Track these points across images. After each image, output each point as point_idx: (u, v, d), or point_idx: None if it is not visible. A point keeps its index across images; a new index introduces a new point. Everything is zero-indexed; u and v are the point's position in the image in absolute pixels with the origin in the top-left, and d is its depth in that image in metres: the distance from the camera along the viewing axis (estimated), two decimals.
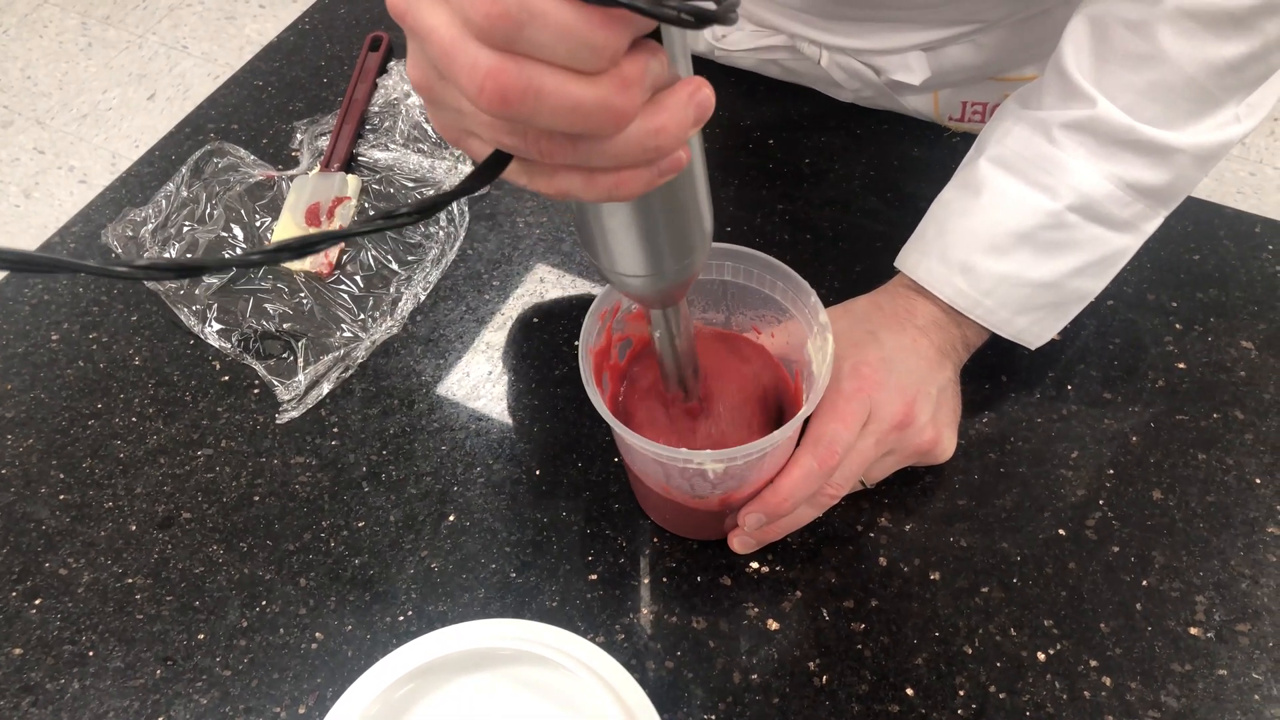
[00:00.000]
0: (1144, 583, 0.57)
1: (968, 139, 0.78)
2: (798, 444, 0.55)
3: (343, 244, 0.75)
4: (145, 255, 0.76)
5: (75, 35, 2.42)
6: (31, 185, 2.13)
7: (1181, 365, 0.65)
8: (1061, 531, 0.59)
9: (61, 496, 0.65)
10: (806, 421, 0.54)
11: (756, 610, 0.58)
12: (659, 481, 0.55)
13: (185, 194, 0.79)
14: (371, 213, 0.77)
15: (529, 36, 0.26)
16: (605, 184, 0.31)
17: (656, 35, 0.30)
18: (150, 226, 0.78)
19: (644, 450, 0.49)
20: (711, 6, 0.27)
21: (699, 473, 0.51)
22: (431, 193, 0.78)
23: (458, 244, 0.76)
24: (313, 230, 0.74)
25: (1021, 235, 0.57)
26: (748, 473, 0.53)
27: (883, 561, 0.59)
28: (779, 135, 0.81)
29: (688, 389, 0.53)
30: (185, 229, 0.77)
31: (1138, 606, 0.56)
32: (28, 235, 2.03)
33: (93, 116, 2.24)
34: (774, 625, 0.57)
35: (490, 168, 0.32)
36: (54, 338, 0.73)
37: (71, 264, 0.29)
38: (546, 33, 0.26)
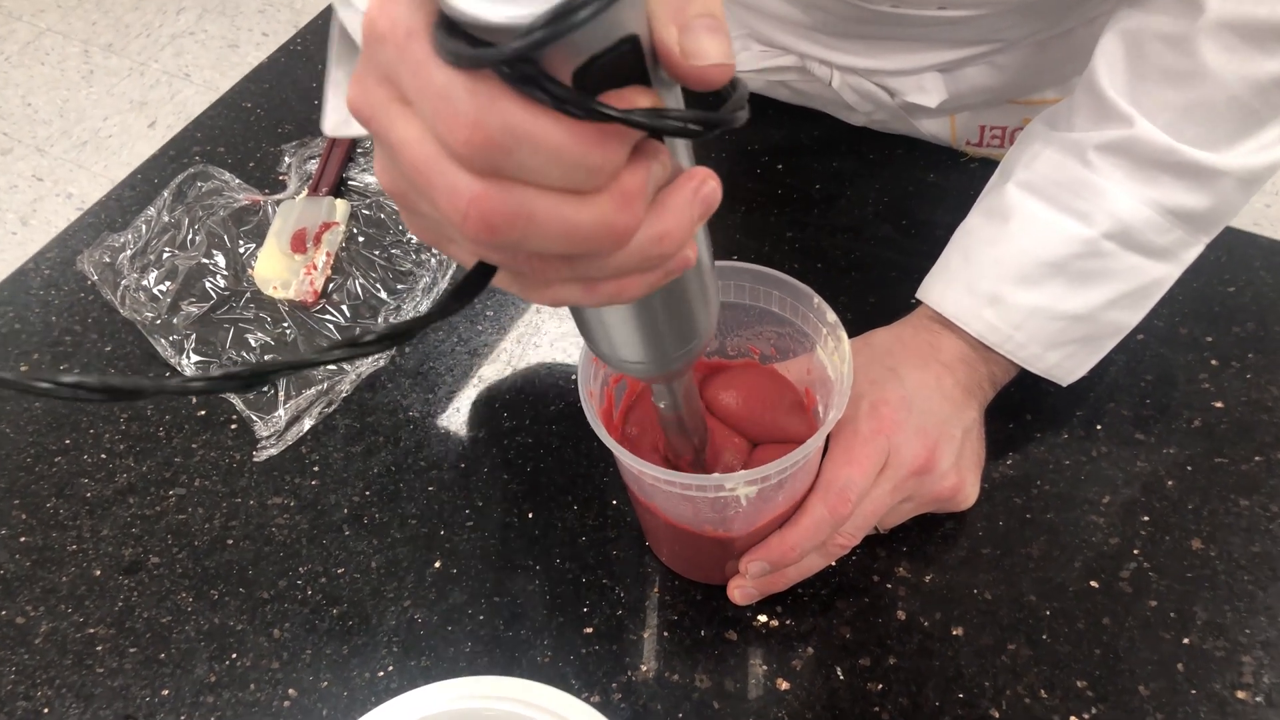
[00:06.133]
0: (1185, 641, 0.53)
1: (986, 164, 0.75)
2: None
3: (330, 271, 0.72)
4: (122, 283, 0.72)
5: (77, 63, 2.41)
6: (29, 212, 2.11)
7: (1219, 404, 0.62)
8: (1094, 583, 0.55)
9: (23, 539, 0.61)
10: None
11: (765, 668, 0.54)
12: (685, 519, 0.52)
13: (167, 219, 0.76)
14: (363, 244, 0.74)
15: (518, 161, 0.23)
16: (607, 291, 0.28)
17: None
18: (129, 253, 0.75)
19: (672, 486, 0.46)
20: (715, 114, 0.25)
21: (731, 500, 0.48)
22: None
23: (450, 272, 0.73)
24: (298, 257, 0.71)
25: (1054, 265, 0.54)
26: (775, 494, 0.49)
27: (901, 615, 0.55)
28: (788, 159, 0.78)
29: (693, 457, 0.50)
30: (165, 255, 0.74)
31: (1179, 667, 0.52)
32: (23, 262, 2.01)
33: (92, 144, 2.23)
34: (784, 685, 0.53)
35: (474, 283, 0.28)
36: (23, 368, 0.70)
37: (154, 388, 0.26)
38: (537, 156, 0.23)
